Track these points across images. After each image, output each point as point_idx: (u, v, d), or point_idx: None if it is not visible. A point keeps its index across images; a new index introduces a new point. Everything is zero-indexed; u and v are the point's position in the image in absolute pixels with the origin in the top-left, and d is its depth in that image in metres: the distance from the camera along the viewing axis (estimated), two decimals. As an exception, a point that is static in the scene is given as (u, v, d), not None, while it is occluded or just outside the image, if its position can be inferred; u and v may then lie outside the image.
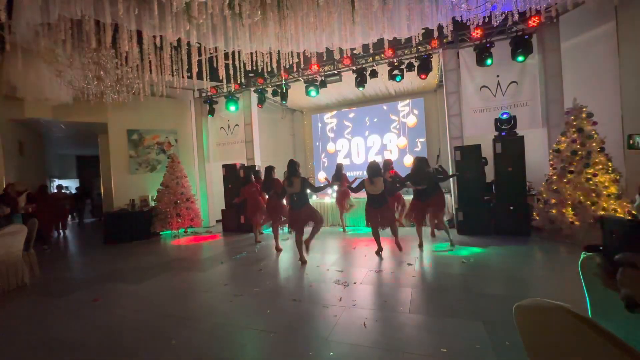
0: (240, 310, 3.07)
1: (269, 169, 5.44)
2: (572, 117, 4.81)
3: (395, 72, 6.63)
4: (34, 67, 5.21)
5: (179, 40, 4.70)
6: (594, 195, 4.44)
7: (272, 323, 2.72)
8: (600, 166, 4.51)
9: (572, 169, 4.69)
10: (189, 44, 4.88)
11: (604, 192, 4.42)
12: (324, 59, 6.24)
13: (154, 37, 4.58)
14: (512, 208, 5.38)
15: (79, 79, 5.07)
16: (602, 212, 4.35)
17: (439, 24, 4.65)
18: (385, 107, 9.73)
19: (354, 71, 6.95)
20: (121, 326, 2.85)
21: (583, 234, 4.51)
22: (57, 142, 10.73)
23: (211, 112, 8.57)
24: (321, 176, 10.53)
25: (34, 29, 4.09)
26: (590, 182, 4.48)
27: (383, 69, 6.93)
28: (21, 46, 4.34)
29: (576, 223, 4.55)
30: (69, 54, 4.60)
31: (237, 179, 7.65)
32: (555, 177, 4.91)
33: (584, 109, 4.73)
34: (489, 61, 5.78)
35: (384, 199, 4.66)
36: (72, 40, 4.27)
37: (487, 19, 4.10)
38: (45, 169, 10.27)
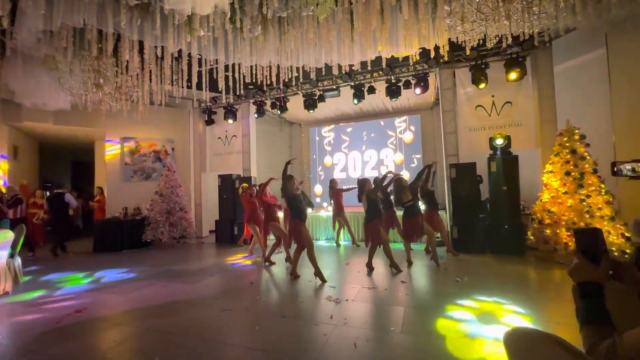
0: (228, 325, 2.98)
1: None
2: (565, 139, 4.88)
3: (393, 88, 6.75)
4: (33, 73, 5.22)
5: (180, 51, 4.77)
6: (587, 216, 4.46)
7: (260, 340, 2.64)
8: (593, 188, 4.54)
9: (565, 189, 4.72)
10: (189, 55, 4.96)
11: (598, 214, 4.44)
12: (323, 74, 6.35)
13: (155, 47, 4.64)
14: (506, 227, 5.37)
15: (78, 86, 5.09)
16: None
17: (436, 44, 4.76)
18: (382, 123, 9.85)
19: (352, 87, 7.06)
20: (102, 340, 2.74)
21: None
22: (52, 147, 10.67)
23: (209, 122, 8.61)
24: (317, 189, 10.52)
25: (36, 36, 4.12)
26: (584, 203, 4.51)
27: (381, 86, 7.05)
28: (22, 52, 4.37)
29: (570, 244, 4.54)
30: (69, 61, 4.64)
31: (232, 189, 7.61)
32: (549, 197, 4.93)
33: (577, 131, 4.81)
34: (482, 84, 5.90)
35: (368, 216, 4.63)
36: (73, 48, 4.31)
37: (481, 42, 4.22)
38: (39, 175, 10.16)
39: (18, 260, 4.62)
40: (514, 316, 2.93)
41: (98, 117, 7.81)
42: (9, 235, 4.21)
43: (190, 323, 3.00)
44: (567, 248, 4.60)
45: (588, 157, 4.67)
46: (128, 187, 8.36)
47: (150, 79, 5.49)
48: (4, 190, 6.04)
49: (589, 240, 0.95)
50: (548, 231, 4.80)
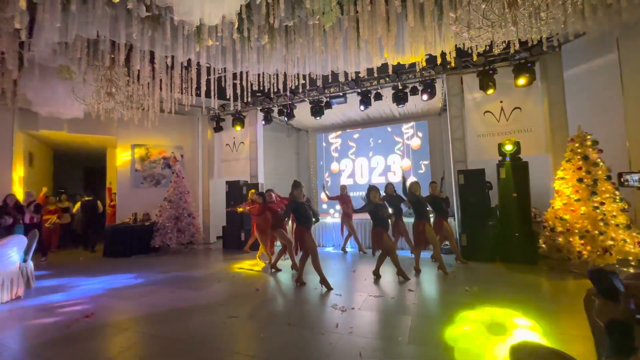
0: (234, 333, 2.97)
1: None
2: (577, 144, 4.78)
3: (399, 95, 6.75)
4: (49, 83, 5.40)
5: (189, 60, 4.87)
6: (601, 224, 4.32)
7: (265, 349, 2.62)
8: (608, 195, 4.41)
9: (578, 197, 4.60)
10: (198, 64, 5.07)
11: (613, 222, 4.30)
12: (330, 81, 6.40)
13: (166, 57, 4.76)
14: (517, 235, 5.25)
15: (91, 95, 5.24)
16: (611, 242, 4.22)
17: (442, 50, 4.75)
18: (389, 129, 9.82)
19: (358, 93, 7.08)
20: (109, 345, 2.76)
21: (592, 264, 4.36)
22: (66, 154, 10.96)
23: (218, 129, 8.73)
24: (324, 196, 10.50)
25: (52, 48, 4.27)
26: (598, 210, 4.38)
27: (388, 92, 7.06)
28: (38, 63, 4.53)
29: (584, 253, 4.41)
30: (83, 71, 4.79)
31: (240, 196, 7.66)
32: (561, 204, 4.81)
33: (589, 137, 4.71)
34: (490, 90, 5.85)
35: (374, 223, 4.62)
36: (86, 58, 4.45)
37: (488, 47, 4.19)
38: (53, 181, 10.44)
39: (30, 265, 4.71)
40: (525, 327, 2.85)
41: (110, 125, 8.00)
42: (23, 240, 4.31)
43: (196, 330, 3.01)
44: (580, 257, 4.46)
45: (601, 164, 4.55)
46: (138, 193, 8.50)
47: (161, 88, 5.61)
48: (19, 199, 6.21)
49: (606, 285, 0.97)
50: (561, 239, 4.67)
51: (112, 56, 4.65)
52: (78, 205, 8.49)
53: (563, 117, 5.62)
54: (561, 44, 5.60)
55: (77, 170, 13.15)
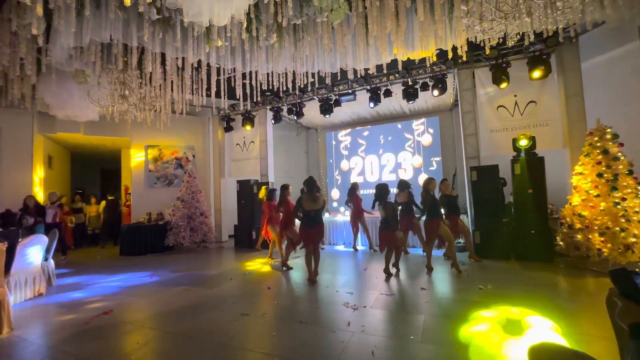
0: (246, 330, 3.01)
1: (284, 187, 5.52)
2: (596, 138, 4.61)
3: (410, 91, 6.66)
4: (66, 87, 5.56)
5: (199, 61, 4.93)
6: (623, 220, 4.17)
7: (277, 346, 2.64)
8: (629, 190, 4.25)
9: (597, 192, 4.45)
10: (208, 64, 5.12)
11: (635, 218, 4.14)
12: (339, 78, 6.36)
13: (177, 58, 4.83)
14: (533, 232, 5.12)
15: (105, 98, 5.37)
16: (633, 240, 4.07)
17: (453, 45, 4.66)
18: (399, 126, 9.71)
19: (368, 90, 7.02)
20: (126, 342, 2.84)
21: (612, 262, 4.21)
22: (82, 156, 11.29)
23: (228, 129, 8.82)
24: (335, 194, 10.49)
25: (68, 52, 4.39)
26: (619, 206, 4.22)
27: (397, 88, 6.97)
28: (55, 68, 4.66)
29: (604, 250, 4.26)
30: (97, 75, 4.91)
31: (250, 195, 7.73)
32: (579, 200, 4.66)
33: (608, 130, 4.53)
34: (504, 84, 5.69)
35: (386, 223, 4.61)
36: (100, 62, 4.56)
37: (501, 40, 4.08)
38: (71, 182, 10.77)
39: (51, 264, 4.89)
40: (543, 327, 2.77)
41: (124, 127, 8.18)
42: (44, 239, 4.46)
43: (209, 327, 3.05)
44: (600, 254, 4.31)
45: (622, 158, 4.38)
46: (152, 193, 8.68)
47: (172, 89, 5.70)
48: (37, 200, 6.45)
49: (628, 286, 0.92)
50: (579, 236, 4.53)
51: (125, 59, 4.75)
52: (103, 203, 9.08)
53: (581, 110, 5.43)
54: (578, 35, 5.40)
55: (94, 172, 13.52)
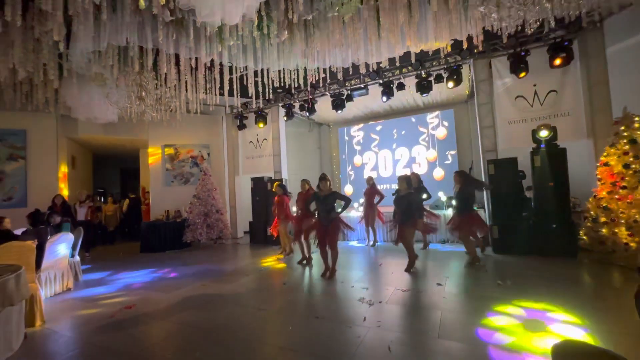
0: (263, 325, 3.06)
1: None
2: (623, 128, 4.39)
3: (423, 84, 6.52)
4: (86, 90, 5.76)
5: (212, 60, 4.99)
6: (652, 213, 3.97)
7: (293, 341, 2.68)
8: (659, 181, 4.03)
9: (624, 184, 4.24)
10: (221, 63, 5.18)
11: (665, 211, 3.93)
12: (350, 73, 6.30)
13: (190, 59, 4.91)
14: (554, 226, 4.94)
15: (123, 100, 5.53)
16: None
17: (469, 34, 4.52)
18: (413, 119, 9.55)
19: (380, 84, 6.92)
20: (149, 335, 2.95)
21: (641, 257, 4.02)
22: (103, 156, 11.71)
23: (241, 127, 8.92)
24: (348, 189, 10.46)
25: (87, 57, 4.54)
26: (648, 199, 4.02)
27: (411, 81, 6.84)
28: (76, 72, 4.83)
29: (632, 245, 4.07)
30: (115, 77, 5.06)
31: (264, 192, 7.81)
32: (604, 193, 4.46)
33: (636, 119, 4.31)
34: (523, 73, 5.49)
35: (407, 217, 4.60)
36: (118, 65, 4.69)
37: (520, 27, 3.92)
38: (93, 181, 11.21)
39: (78, 260, 5.12)
40: (566, 324, 2.69)
41: (141, 127, 8.43)
42: (71, 237, 4.67)
43: (226, 322, 3.13)
44: (627, 249, 4.13)
45: (651, 147, 4.16)
46: (169, 191, 8.92)
47: (186, 89, 5.81)
48: (61, 199, 6.73)
49: None
50: (604, 230, 4.34)
51: (141, 61, 4.87)
52: (127, 202, 9.63)
53: (606, 99, 5.17)
54: (603, 19, 5.11)
55: (114, 171, 14.01)
